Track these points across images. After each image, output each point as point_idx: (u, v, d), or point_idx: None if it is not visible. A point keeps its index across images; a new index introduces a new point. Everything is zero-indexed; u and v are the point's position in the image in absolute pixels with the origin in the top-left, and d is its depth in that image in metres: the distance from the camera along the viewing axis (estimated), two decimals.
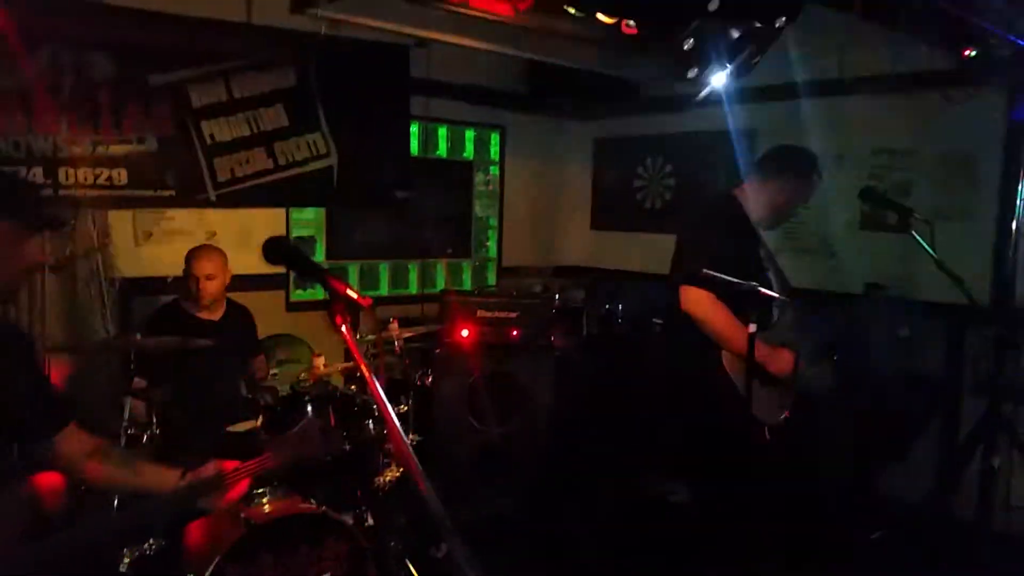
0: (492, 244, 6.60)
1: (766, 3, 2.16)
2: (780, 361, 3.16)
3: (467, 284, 6.43)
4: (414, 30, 2.51)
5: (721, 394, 3.10)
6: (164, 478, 2.10)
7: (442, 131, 6.14)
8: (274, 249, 1.55)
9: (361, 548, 2.98)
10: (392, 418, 1.36)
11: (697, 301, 3.08)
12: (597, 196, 6.80)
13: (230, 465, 2.11)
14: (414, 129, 5.79)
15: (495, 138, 6.47)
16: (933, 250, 3.52)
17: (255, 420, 3.36)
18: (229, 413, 3.48)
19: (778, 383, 3.19)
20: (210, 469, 2.08)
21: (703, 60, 2.12)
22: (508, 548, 4.24)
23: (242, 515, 2.81)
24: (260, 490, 2.96)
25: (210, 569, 2.63)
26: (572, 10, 2.13)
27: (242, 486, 2.14)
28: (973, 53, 3.55)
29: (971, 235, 4.57)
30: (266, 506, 2.93)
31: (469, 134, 6.32)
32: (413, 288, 6.06)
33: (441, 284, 6.21)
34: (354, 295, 1.42)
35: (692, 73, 2.14)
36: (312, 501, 3.04)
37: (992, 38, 3.49)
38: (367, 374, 1.35)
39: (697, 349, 3.16)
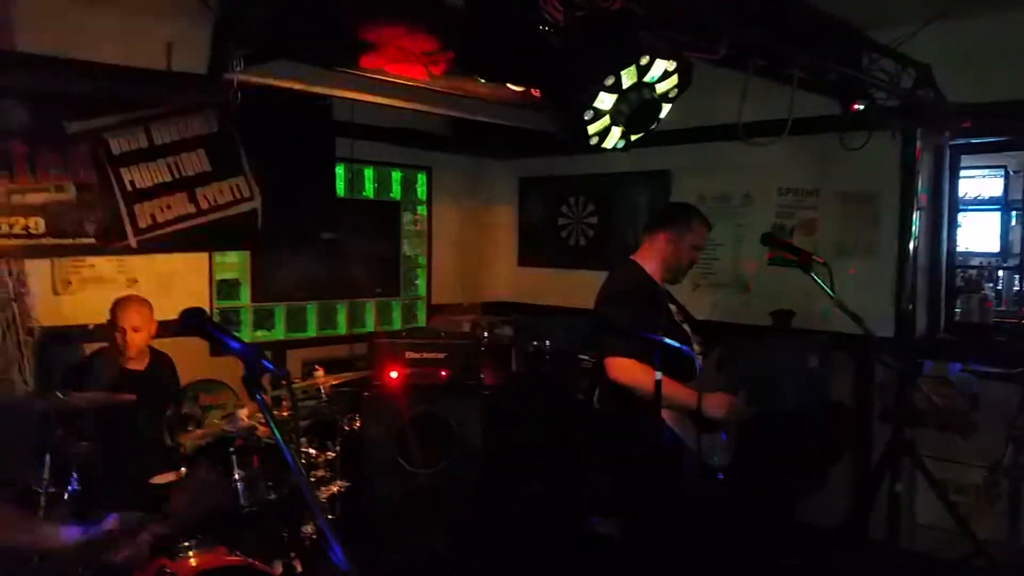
0: (421, 282, 6.65)
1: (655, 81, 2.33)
2: (715, 404, 3.31)
3: (397, 323, 6.46)
4: (332, 91, 2.59)
5: (659, 440, 3.25)
6: (61, 535, 2.08)
7: (368, 172, 6.20)
8: (189, 324, 1.59)
9: None
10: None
11: (623, 370, 3.28)
12: (523, 234, 6.94)
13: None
14: (340, 171, 5.83)
15: (422, 178, 6.56)
16: (832, 289, 3.73)
17: (178, 471, 3.34)
18: (152, 464, 3.45)
19: (719, 426, 3.35)
20: (109, 523, 2.07)
21: (603, 127, 2.27)
22: None
23: (168, 570, 2.79)
24: (185, 543, 2.94)
25: None
26: (482, 80, 2.26)
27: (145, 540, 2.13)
28: (861, 107, 3.83)
29: (874, 270, 4.83)
30: (192, 559, 2.91)
31: (396, 175, 6.39)
32: (342, 328, 6.07)
33: (370, 324, 6.23)
34: (270, 367, 1.48)
35: (594, 140, 2.28)
36: (238, 552, 3.03)
37: (878, 94, 3.76)
38: (283, 449, 1.40)
39: (631, 406, 3.32)
